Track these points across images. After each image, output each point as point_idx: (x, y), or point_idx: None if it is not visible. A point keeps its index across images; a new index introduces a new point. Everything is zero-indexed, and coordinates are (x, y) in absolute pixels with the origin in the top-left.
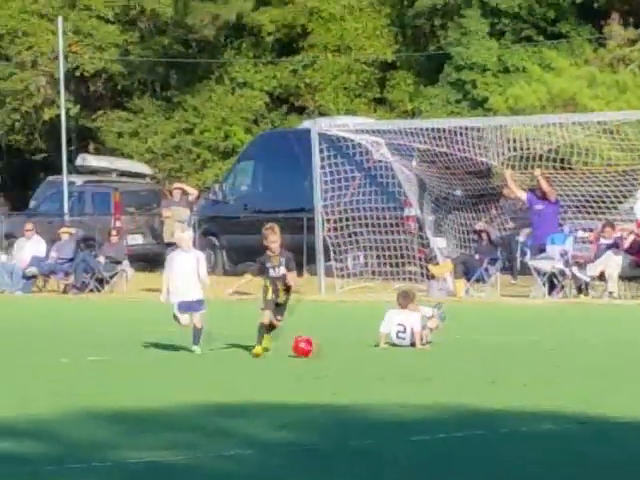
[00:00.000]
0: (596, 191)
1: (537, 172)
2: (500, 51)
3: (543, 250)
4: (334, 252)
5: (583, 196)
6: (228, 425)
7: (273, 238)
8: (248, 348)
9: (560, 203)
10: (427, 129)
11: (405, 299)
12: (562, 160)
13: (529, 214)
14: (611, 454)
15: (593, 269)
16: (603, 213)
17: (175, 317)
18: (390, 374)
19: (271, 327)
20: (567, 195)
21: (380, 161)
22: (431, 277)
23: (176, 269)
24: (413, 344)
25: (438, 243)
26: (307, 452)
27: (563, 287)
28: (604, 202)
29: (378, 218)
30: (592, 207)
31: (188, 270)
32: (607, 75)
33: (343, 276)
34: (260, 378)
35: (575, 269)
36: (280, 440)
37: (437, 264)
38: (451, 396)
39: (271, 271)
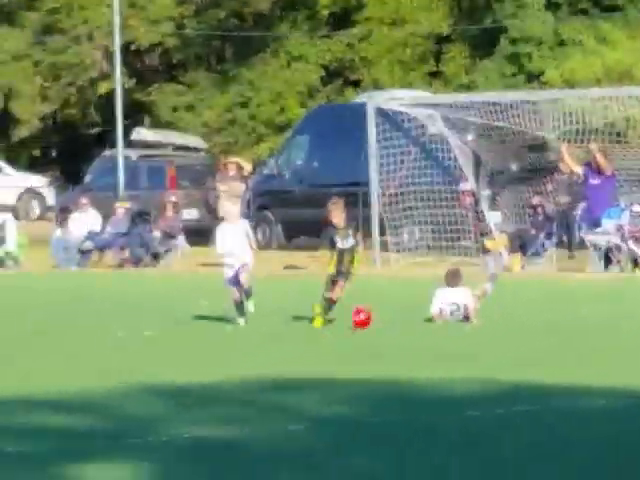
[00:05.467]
0: None
1: (593, 146)
2: (556, 24)
3: (599, 224)
4: (389, 227)
5: None
6: (280, 400)
7: (337, 213)
8: (306, 320)
9: (616, 177)
10: (482, 103)
11: (455, 278)
12: (618, 134)
13: (585, 188)
14: None
15: None
16: None
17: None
18: (443, 351)
19: (332, 302)
20: (623, 169)
21: (435, 135)
22: (486, 252)
23: (228, 240)
24: (467, 317)
25: (493, 218)
26: (358, 427)
27: (619, 261)
28: None
29: (433, 192)
30: None
31: (238, 241)
32: None
33: (398, 250)
34: (314, 353)
35: (631, 243)
36: (332, 415)
37: (492, 239)
38: (501, 373)
39: (339, 243)
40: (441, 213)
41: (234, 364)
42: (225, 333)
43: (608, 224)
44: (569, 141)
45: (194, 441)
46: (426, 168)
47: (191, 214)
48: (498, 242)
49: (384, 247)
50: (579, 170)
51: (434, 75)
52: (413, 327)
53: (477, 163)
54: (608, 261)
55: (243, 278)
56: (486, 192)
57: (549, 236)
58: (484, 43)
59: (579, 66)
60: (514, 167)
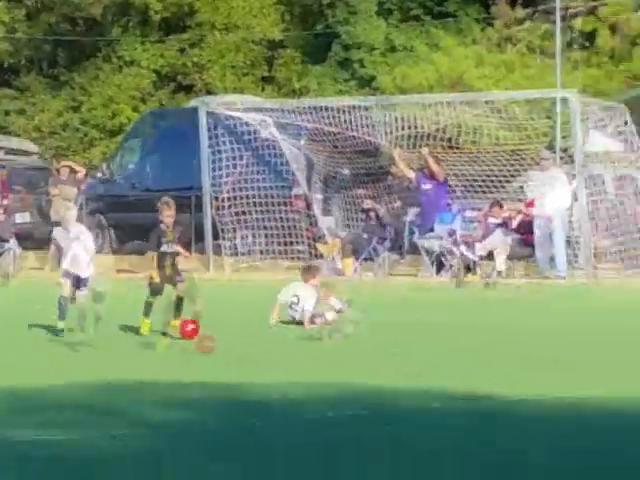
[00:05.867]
0: (484, 170)
1: (425, 151)
2: (388, 30)
3: (431, 229)
4: (222, 231)
5: (471, 175)
6: (116, 404)
7: (168, 213)
8: (137, 328)
9: (448, 182)
10: (315, 108)
11: (305, 273)
12: (450, 139)
13: (417, 193)
14: (498, 429)
15: (481, 248)
16: (491, 192)
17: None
18: (280, 353)
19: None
20: (455, 174)
21: (268, 140)
22: (320, 256)
23: (64, 248)
24: (301, 322)
25: (326, 222)
26: (195, 431)
27: (452, 266)
28: (492, 182)
29: (266, 197)
30: (480, 186)
31: (76, 250)
32: (494, 55)
33: (232, 255)
34: (150, 357)
35: (463, 248)
36: (168, 419)
37: (325, 243)
38: (340, 375)
39: (164, 246)
40: (274, 217)
41: (70, 368)
42: (59, 336)
43: (440, 229)
44: (401, 146)
45: (28, 445)
46: (258, 173)
47: (24, 218)
48: (331, 246)
49: (217, 252)
50: (411, 175)
51: (266, 80)
52: (247, 330)
53: (309, 168)
54: (440, 266)
55: (81, 299)
56: (319, 196)
57: (382, 241)
58: (316, 49)
59: (411, 72)
60: (346, 172)
